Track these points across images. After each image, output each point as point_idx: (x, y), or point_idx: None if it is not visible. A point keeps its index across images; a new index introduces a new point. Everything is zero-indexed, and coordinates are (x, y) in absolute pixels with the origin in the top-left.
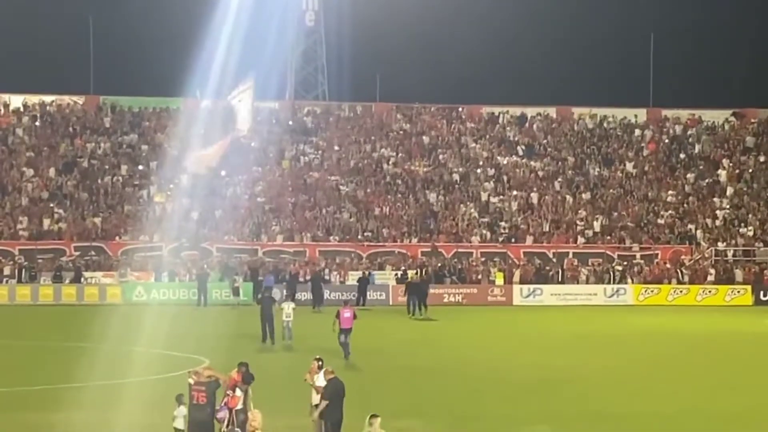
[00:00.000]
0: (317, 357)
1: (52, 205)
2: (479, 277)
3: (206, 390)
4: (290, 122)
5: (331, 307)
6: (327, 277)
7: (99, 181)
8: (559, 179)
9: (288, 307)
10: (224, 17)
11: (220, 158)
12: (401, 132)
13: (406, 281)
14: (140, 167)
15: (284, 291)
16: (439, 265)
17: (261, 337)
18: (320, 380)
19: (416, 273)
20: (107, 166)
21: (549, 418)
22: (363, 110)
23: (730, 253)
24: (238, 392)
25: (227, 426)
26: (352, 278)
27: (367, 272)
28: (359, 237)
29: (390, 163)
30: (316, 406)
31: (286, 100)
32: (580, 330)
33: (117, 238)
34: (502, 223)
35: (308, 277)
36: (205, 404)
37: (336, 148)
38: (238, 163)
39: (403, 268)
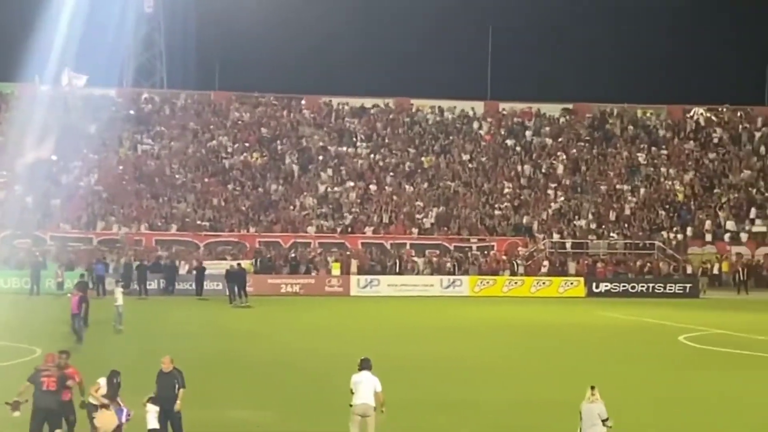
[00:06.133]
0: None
1: None
2: (317, 267)
3: (57, 377)
4: (131, 111)
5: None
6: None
7: None
8: (398, 170)
9: (118, 293)
10: (63, 1)
11: (54, 146)
12: (240, 121)
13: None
14: None
15: (117, 279)
16: (269, 256)
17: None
18: None
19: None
20: None
21: (387, 406)
22: (201, 99)
23: (568, 245)
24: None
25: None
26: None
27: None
28: (197, 225)
29: (228, 152)
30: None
31: (123, 87)
32: (417, 320)
33: None
34: (341, 214)
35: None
36: (55, 390)
37: (174, 136)
38: (73, 149)
39: (256, 258)
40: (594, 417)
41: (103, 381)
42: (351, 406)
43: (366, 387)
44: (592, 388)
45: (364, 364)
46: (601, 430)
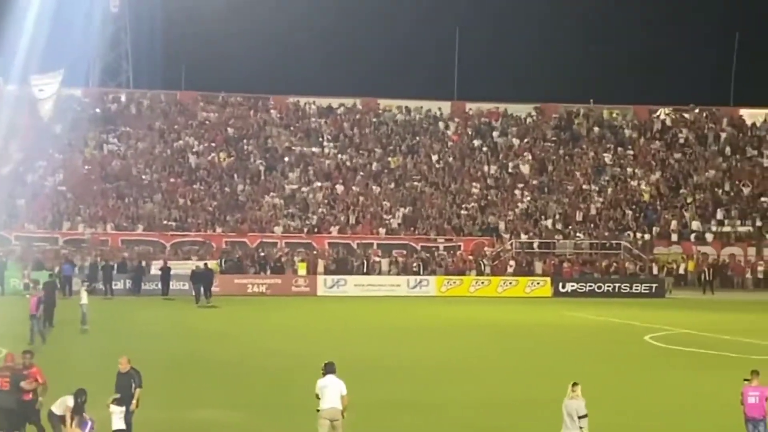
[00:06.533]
0: (575, 383)
1: None
2: (283, 267)
3: (10, 376)
4: (97, 110)
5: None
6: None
7: None
8: (365, 170)
9: (83, 293)
10: (28, 1)
11: (20, 145)
12: (206, 121)
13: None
14: None
15: (85, 279)
16: (237, 256)
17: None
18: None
19: (217, 263)
20: None
21: (354, 407)
22: (167, 98)
23: (535, 245)
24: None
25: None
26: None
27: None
28: (163, 225)
29: (194, 152)
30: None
31: (89, 87)
32: (385, 321)
33: None
34: (307, 214)
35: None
36: (8, 390)
37: (140, 136)
38: (39, 149)
39: (222, 258)
40: (573, 413)
41: (71, 401)
42: (318, 411)
43: (332, 391)
44: (574, 384)
45: (329, 368)
46: (582, 426)
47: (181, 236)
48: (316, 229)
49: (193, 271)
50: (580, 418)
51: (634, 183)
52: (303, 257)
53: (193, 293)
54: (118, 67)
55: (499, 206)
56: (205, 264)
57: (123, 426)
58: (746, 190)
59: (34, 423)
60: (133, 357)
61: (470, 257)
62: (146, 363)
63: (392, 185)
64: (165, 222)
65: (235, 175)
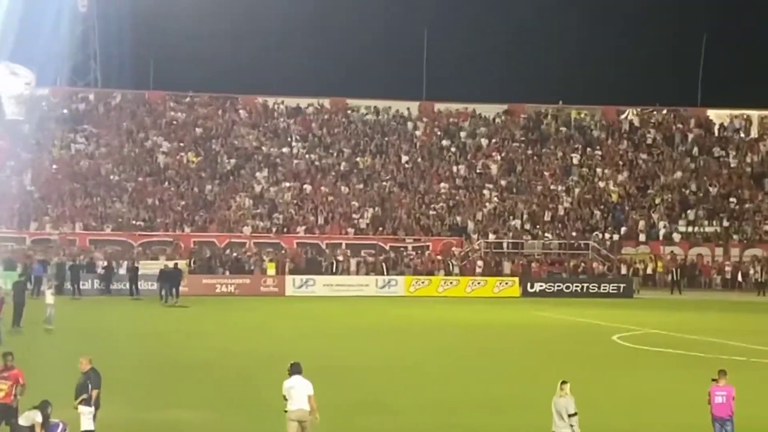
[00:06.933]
0: (563, 381)
1: None
2: (252, 267)
3: None
4: (65, 110)
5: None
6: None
7: None
8: (334, 170)
9: (48, 293)
10: None
11: None
12: (175, 121)
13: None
14: None
15: (51, 279)
16: (208, 255)
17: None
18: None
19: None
20: None
21: (323, 408)
22: (135, 98)
23: (505, 245)
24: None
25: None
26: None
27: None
28: (132, 225)
29: (162, 152)
30: None
31: (57, 86)
32: (354, 321)
33: None
34: (276, 214)
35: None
36: None
37: (108, 136)
38: (7, 148)
39: (191, 258)
40: (562, 411)
41: (38, 417)
42: (286, 412)
43: (299, 392)
44: (563, 383)
45: (295, 369)
46: (572, 424)
47: (149, 236)
48: (284, 229)
49: (161, 270)
50: (570, 416)
51: (602, 183)
52: (272, 257)
53: (160, 293)
54: (86, 67)
55: (467, 206)
56: (175, 264)
57: (92, 427)
58: (713, 191)
59: (10, 425)
60: (98, 357)
61: (439, 257)
62: (111, 363)
63: (361, 185)
64: (133, 222)
65: (204, 175)
